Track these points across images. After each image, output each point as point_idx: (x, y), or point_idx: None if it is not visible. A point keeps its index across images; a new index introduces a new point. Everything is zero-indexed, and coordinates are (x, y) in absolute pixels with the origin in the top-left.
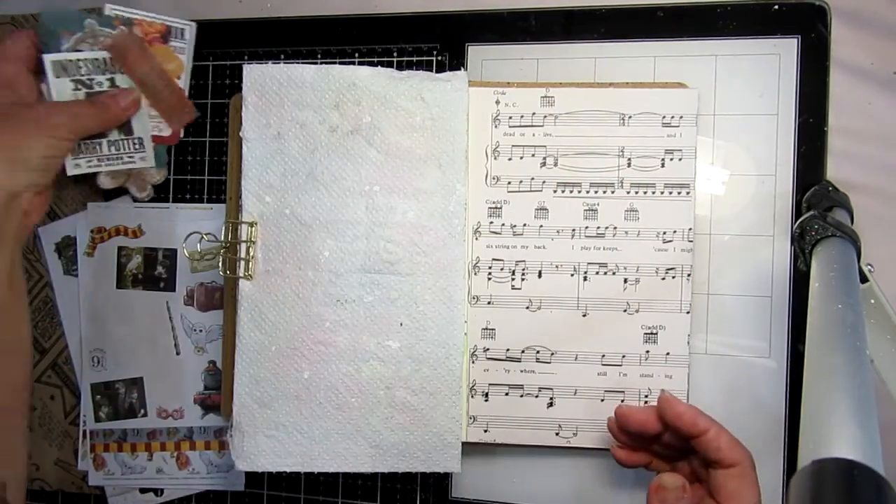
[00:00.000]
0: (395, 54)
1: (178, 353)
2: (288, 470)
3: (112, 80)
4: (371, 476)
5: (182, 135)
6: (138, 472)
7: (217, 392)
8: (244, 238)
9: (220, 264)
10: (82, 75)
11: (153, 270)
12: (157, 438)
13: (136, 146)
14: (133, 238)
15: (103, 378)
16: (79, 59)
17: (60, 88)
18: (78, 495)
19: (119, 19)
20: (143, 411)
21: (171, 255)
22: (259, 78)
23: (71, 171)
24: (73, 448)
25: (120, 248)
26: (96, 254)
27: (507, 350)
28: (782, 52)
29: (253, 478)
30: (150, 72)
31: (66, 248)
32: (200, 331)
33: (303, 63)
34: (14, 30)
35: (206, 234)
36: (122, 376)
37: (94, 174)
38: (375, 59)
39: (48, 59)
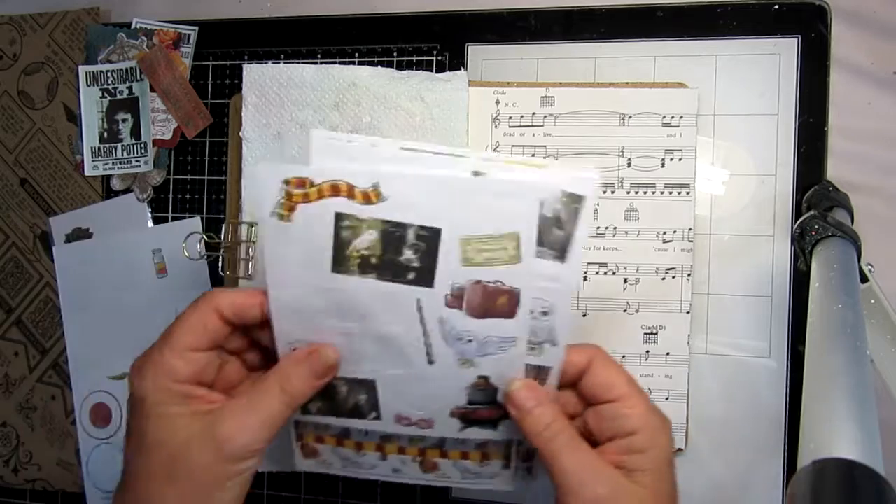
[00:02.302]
0: (395, 54)
1: (431, 363)
2: (288, 470)
3: (130, 89)
4: None
5: (191, 137)
6: (367, 468)
7: (487, 407)
8: (244, 238)
9: (220, 264)
10: (108, 84)
11: (397, 255)
12: (393, 442)
13: (143, 150)
14: (365, 203)
15: None
16: (107, 70)
17: (88, 96)
18: (79, 495)
19: (143, 31)
20: (374, 414)
21: (432, 235)
22: (259, 78)
23: (89, 172)
24: (73, 448)
25: (340, 216)
26: (296, 218)
27: None
28: (782, 52)
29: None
30: (173, 82)
31: (77, 240)
32: (470, 341)
33: (303, 63)
34: None
35: (205, 234)
36: (344, 374)
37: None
38: (375, 59)
39: (83, 69)
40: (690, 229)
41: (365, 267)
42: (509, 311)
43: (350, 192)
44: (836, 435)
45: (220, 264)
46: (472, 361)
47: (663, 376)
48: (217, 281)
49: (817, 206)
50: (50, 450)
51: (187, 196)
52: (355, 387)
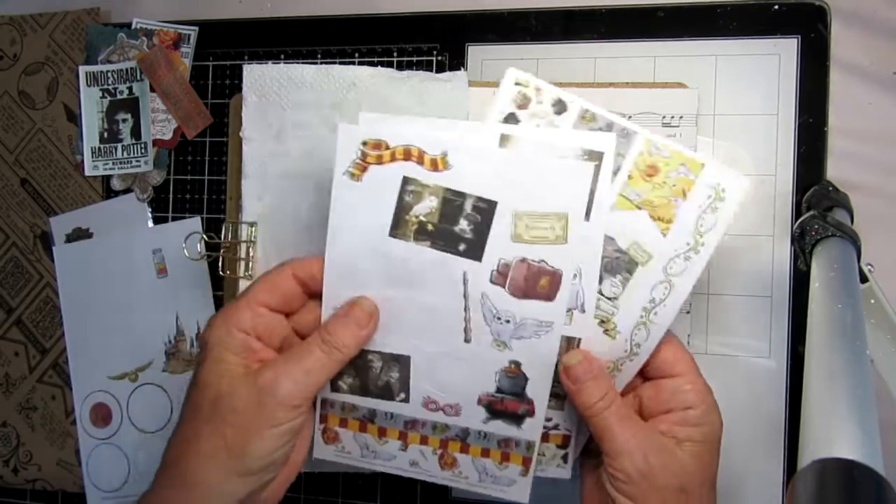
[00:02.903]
0: (395, 54)
1: (467, 341)
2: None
3: (130, 89)
4: (371, 476)
5: (191, 137)
6: (385, 459)
7: (514, 398)
8: (244, 238)
9: (220, 264)
10: (109, 84)
11: (453, 224)
12: (416, 430)
13: (143, 150)
14: (431, 170)
15: None
16: (107, 71)
17: (88, 96)
18: (79, 495)
19: (143, 31)
20: (403, 395)
21: (488, 206)
22: (259, 78)
23: (89, 172)
24: (74, 448)
25: (407, 180)
26: (365, 178)
27: None
28: (782, 53)
29: None
30: (173, 82)
31: (77, 240)
32: (507, 321)
33: (303, 63)
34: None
35: (205, 234)
36: (381, 348)
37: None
38: (375, 59)
39: (83, 69)
40: None
41: (420, 233)
42: (549, 294)
43: (420, 158)
44: (836, 435)
45: (220, 264)
46: (506, 344)
47: None
48: (217, 281)
49: (817, 206)
50: (50, 450)
51: (187, 196)
52: (390, 363)
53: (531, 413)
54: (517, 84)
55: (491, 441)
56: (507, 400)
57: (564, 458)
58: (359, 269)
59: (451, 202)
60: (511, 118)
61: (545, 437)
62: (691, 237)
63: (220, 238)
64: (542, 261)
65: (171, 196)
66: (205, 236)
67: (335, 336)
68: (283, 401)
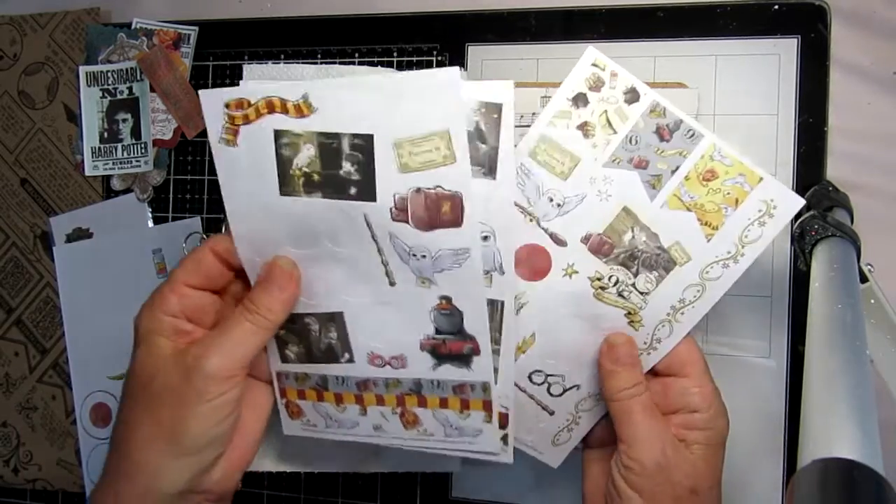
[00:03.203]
0: (395, 54)
1: (391, 284)
2: (288, 470)
3: (130, 89)
4: (371, 476)
5: (191, 137)
6: (348, 427)
7: (455, 338)
8: None
9: None
10: (109, 84)
11: (336, 169)
12: (370, 390)
13: (143, 150)
14: (298, 117)
15: None
16: (107, 71)
17: (89, 96)
18: (79, 495)
19: (143, 31)
20: (346, 355)
21: (365, 142)
22: (259, 78)
23: (89, 172)
24: (73, 448)
25: (278, 134)
26: (240, 142)
27: None
28: (782, 52)
29: (253, 478)
30: (173, 82)
31: (77, 240)
32: (423, 256)
33: (303, 63)
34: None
35: (205, 234)
36: (312, 309)
37: (109, 176)
38: (375, 59)
39: (83, 69)
40: None
41: (309, 185)
42: (454, 219)
43: (283, 107)
44: (836, 435)
45: None
46: (430, 279)
47: None
48: None
49: (817, 206)
50: (50, 450)
51: (187, 196)
52: (326, 323)
53: (476, 351)
54: (594, 65)
55: (445, 389)
56: (449, 340)
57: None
58: (265, 234)
59: (328, 146)
60: (580, 98)
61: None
62: (734, 246)
63: None
64: (438, 186)
65: (171, 196)
66: (205, 236)
67: (258, 303)
68: (213, 374)
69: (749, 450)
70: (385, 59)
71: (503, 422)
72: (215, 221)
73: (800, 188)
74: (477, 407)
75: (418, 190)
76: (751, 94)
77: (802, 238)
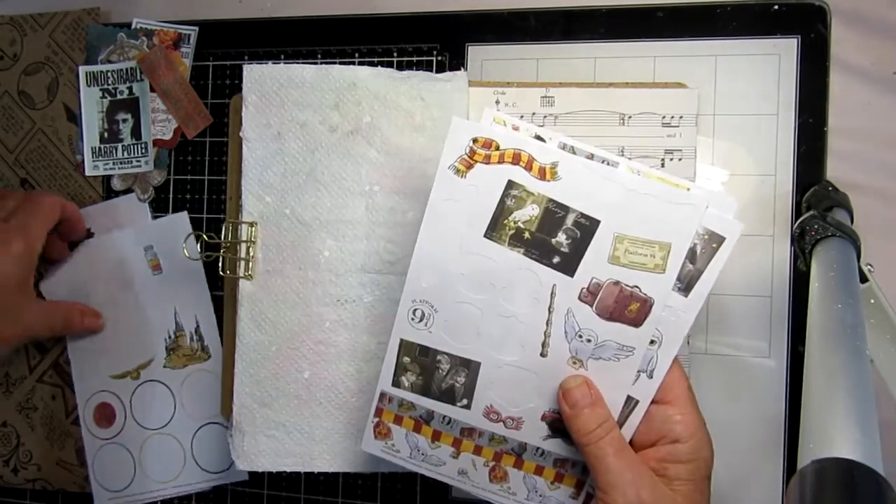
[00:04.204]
0: (395, 54)
1: (543, 355)
2: (288, 470)
3: (130, 89)
4: (371, 476)
5: (192, 137)
6: (434, 464)
7: None
8: (244, 238)
9: (220, 264)
10: (109, 84)
11: (551, 236)
12: (472, 438)
13: (143, 150)
14: (539, 178)
15: (422, 340)
16: (107, 71)
17: (89, 96)
18: (79, 495)
19: (143, 31)
20: (465, 401)
21: (590, 224)
22: (259, 78)
23: (90, 172)
24: (73, 448)
25: (511, 184)
26: (470, 176)
27: None
28: (782, 52)
29: (253, 477)
30: (173, 82)
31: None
32: (589, 340)
33: (303, 63)
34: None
35: (206, 234)
36: (452, 350)
37: (109, 176)
38: (375, 59)
39: (83, 69)
40: None
41: (516, 239)
42: (637, 319)
43: (529, 164)
44: (836, 435)
45: (220, 264)
46: (583, 362)
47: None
48: (217, 280)
49: (817, 206)
50: (50, 450)
51: (187, 196)
52: (458, 366)
53: None
54: (495, 122)
55: (547, 459)
56: None
57: None
58: (446, 263)
59: (553, 213)
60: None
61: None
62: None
63: (220, 238)
64: (636, 286)
65: (171, 196)
66: (205, 236)
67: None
68: None
69: (749, 450)
70: (385, 59)
71: (586, 501)
72: (215, 221)
73: (800, 188)
74: (569, 483)
75: (617, 283)
76: (751, 94)
77: (802, 238)
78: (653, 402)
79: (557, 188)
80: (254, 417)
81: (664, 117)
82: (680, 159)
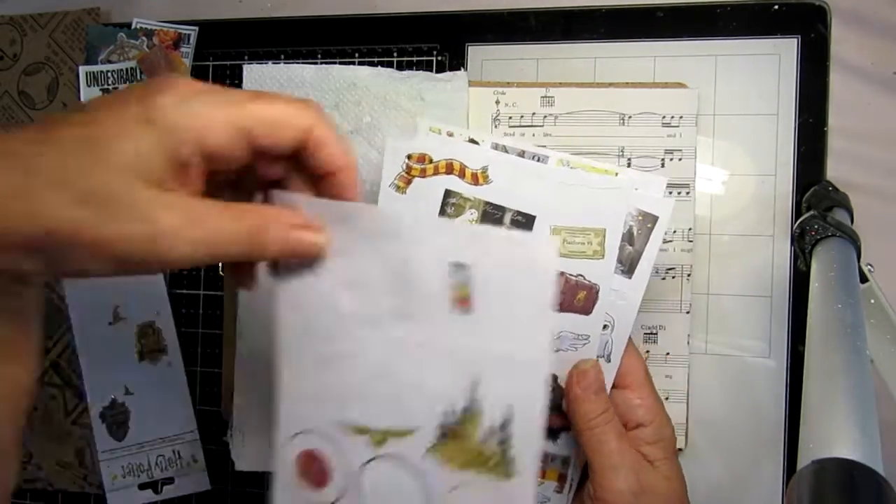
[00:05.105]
0: (395, 54)
1: None
2: None
3: None
4: None
5: None
6: None
7: (551, 413)
8: None
9: (220, 264)
10: (109, 84)
11: None
12: None
13: None
14: (472, 184)
15: None
16: (107, 71)
17: (89, 96)
18: (79, 495)
19: (143, 31)
20: None
21: (526, 221)
22: (259, 78)
23: None
24: (73, 448)
25: (448, 193)
26: (410, 192)
27: None
28: (782, 52)
29: (252, 477)
30: None
31: None
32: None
33: (303, 63)
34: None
35: None
36: None
37: None
38: (375, 59)
39: (83, 69)
40: (690, 229)
41: None
42: (586, 307)
43: (462, 172)
44: (836, 435)
45: (219, 265)
46: None
47: (663, 376)
48: (217, 280)
49: (817, 206)
50: (50, 450)
51: None
52: None
53: (566, 428)
54: (431, 131)
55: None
56: (553, 415)
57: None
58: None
59: (491, 215)
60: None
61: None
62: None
63: None
64: (580, 275)
65: None
66: None
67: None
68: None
69: (749, 450)
70: (385, 59)
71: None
72: None
73: (800, 188)
74: (552, 477)
75: (562, 273)
76: (751, 94)
77: (802, 238)
78: (613, 387)
79: (491, 190)
80: (254, 417)
81: (664, 117)
82: (680, 159)
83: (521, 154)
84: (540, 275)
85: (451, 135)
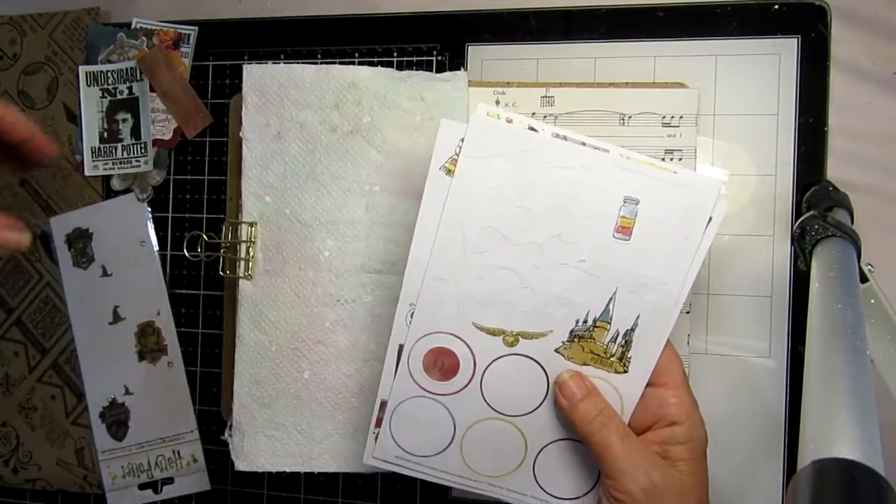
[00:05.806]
0: (395, 54)
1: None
2: (288, 470)
3: (130, 89)
4: (371, 476)
5: (191, 137)
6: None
7: None
8: (244, 238)
9: (220, 264)
10: (109, 84)
11: None
12: None
13: (143, 150)
14: None
15: None
16: (107, 70)
17: (89, 96)
18: (79, 495)
19: (143, 31)
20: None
21: None
22: (259, 78)
23: (89, 172)
24: (73, 448)
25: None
26: (458, 172)
27: None
28: (782, 52)
29: (252, 477)
30: (173, 82)
31: (77, 240)
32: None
33: (303, 63)
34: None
35: (206, 234)
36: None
37: (108, 176)
38: (375, 59)
39: (83, 69)
40: None
41: None
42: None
43: None
44: (836, 435)
45: (220, 264)
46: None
47: None
48: (217, 280)
49: (817, 206)
50: (50, 450)
51: (187, 196)
52: None
53: None
54: (489, 116)
55: None
56: None
57: None
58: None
59: None
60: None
61: None
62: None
63: (220, 238)
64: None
65: (171, 196)
66: (205, 236)
67: None
68: None
69: (749, 450)
70: (385, 59)
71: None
72: (215, 221)
73: (800, 188)
74: None
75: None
76: (751, 94)
77: (802, 238)
78: (648, 384)
79: None
80: (254, 417)
81: (664, 117)
82: (680, 159)
83: (582, 145)
84: (694, 215)
85: (509, 121)
